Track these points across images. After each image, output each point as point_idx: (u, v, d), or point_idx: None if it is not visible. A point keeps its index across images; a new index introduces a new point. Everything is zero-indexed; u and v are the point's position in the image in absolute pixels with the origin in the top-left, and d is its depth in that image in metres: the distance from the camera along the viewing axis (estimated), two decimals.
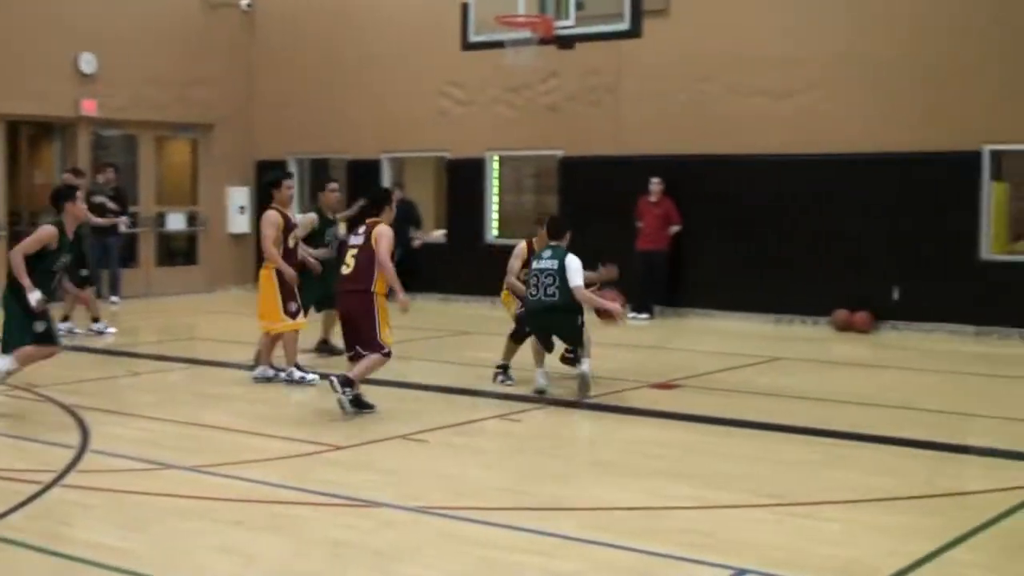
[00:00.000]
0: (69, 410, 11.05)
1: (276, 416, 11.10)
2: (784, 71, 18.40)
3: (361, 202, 13.55)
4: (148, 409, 11.40)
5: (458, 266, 21.11)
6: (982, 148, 16.94)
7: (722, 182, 18.72)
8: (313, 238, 13.92)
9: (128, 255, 22.02)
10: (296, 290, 12.62)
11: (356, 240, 11.19)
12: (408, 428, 10.35)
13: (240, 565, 6.70)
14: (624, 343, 13.28)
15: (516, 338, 12.63)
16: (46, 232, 10.92)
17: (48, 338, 10.99)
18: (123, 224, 19.25)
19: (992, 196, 17.06)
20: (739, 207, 18.58)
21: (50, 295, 11.07)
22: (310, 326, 13.58)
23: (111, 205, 19.34)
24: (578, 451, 10.16)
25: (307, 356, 13.76)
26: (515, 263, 12.96)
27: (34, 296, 10.68)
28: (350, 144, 22.94)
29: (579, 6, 15.58)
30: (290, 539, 7.15)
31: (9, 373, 10.97)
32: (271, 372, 12.80)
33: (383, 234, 11.00)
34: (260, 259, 13.06)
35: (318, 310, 14.11)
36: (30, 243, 10.87)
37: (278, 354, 12.86)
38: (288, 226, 12.68)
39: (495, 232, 21.29)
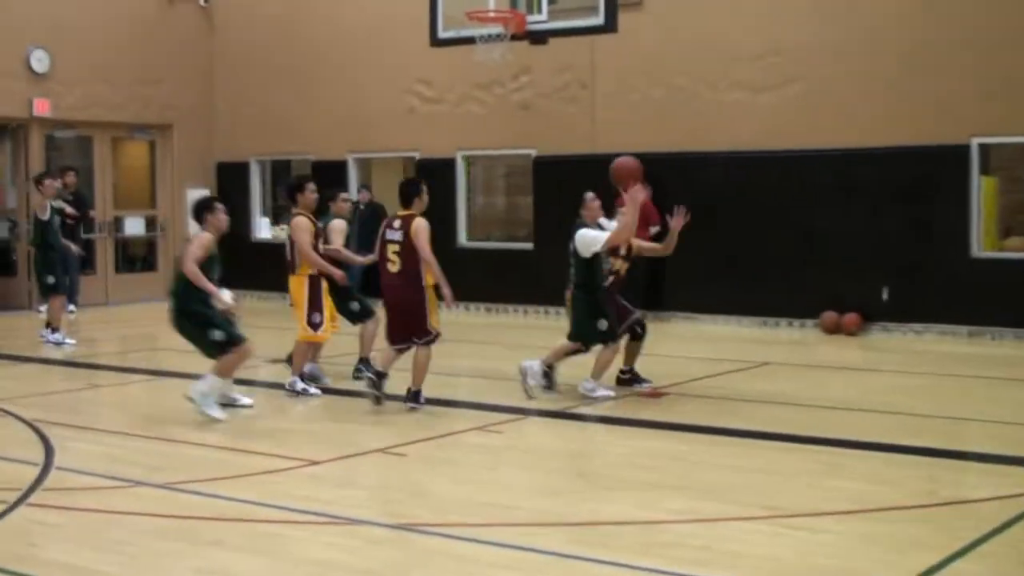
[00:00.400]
0: (30, 425, 11.01)
1: (248, 429, 11.09)
2: (763, 64, 18.48)
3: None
4: (113, 423, 11.37)
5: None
6: (971, 141, 17.03)
7: (702, 180, 18.76)
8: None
9: (85, 262, 21.94)
10: (322, 301, 12.63)
11: (394, 235, 11.65)
12: (385, 442, 10.34)
13: None
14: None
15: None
16: (207, 239, 11.28)
17: (233, 340, 11.35)
18: (74, 249, 18.65)
19: (982, 191, 17.15)
20: (720, 205, 18.63)
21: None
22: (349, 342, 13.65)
23: (70, 210, 19.27)
24: (564, 463, 10.16)
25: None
26: None
27: (225, 294, 11.25)
28: (314, 144, 22.91)
29: (551, 0, 15.59)
30: (273, 560, 7.14)
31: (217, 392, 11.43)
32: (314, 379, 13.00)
33: (420, 228, 11.53)
34: (281, 267, 12.99)
35: (354, 322, 13.65)
36: (196, 252, 11.18)
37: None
38: (317, 231, 12.67)
39: (465, 236, 21.31)
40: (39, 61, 21.41)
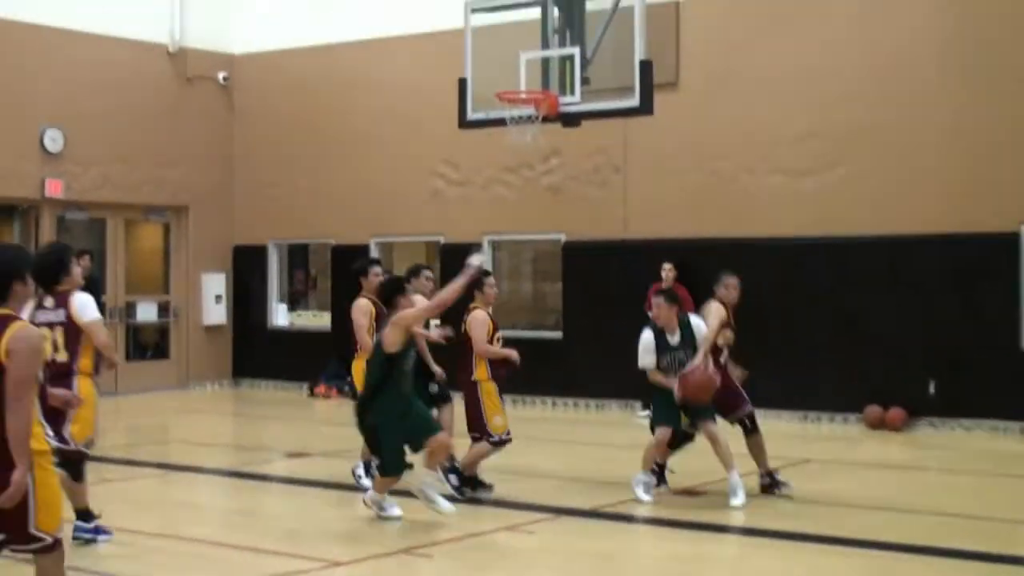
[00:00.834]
0: None
1: (264, 527, 11.07)
2: (803, 147, 18.55)
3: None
4: (122, 519, 11.33)
5: (454, 361, 21.07)
6: (1021, 228, 17.05)
7: (739, 267, 18.62)
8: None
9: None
10: None
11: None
12: (410, 541, 10.32)
13: None
14: (639, 444, 13.25)
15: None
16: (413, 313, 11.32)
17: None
18: None
19: None
20: (759, 294, 18.56)
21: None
22: None
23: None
24: (598, 569, 10.08)
25: None
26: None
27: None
28: (336, 228, 23.04)
29: (584, 81, 15.68)
30: None
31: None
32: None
33: (475, 321, 12.16)
34: (344, 350, 13.06)
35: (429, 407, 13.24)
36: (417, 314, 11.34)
37: None
38: (379, 314, 12.64)
39: None
40: (53, 141, 21.63)
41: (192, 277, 23.78)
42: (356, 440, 13.14)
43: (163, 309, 23.76)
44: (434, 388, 13.16)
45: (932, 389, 17.53)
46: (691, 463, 13.21)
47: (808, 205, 18.50)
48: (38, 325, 9.38)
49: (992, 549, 10.08)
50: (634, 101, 14.76)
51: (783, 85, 18.78)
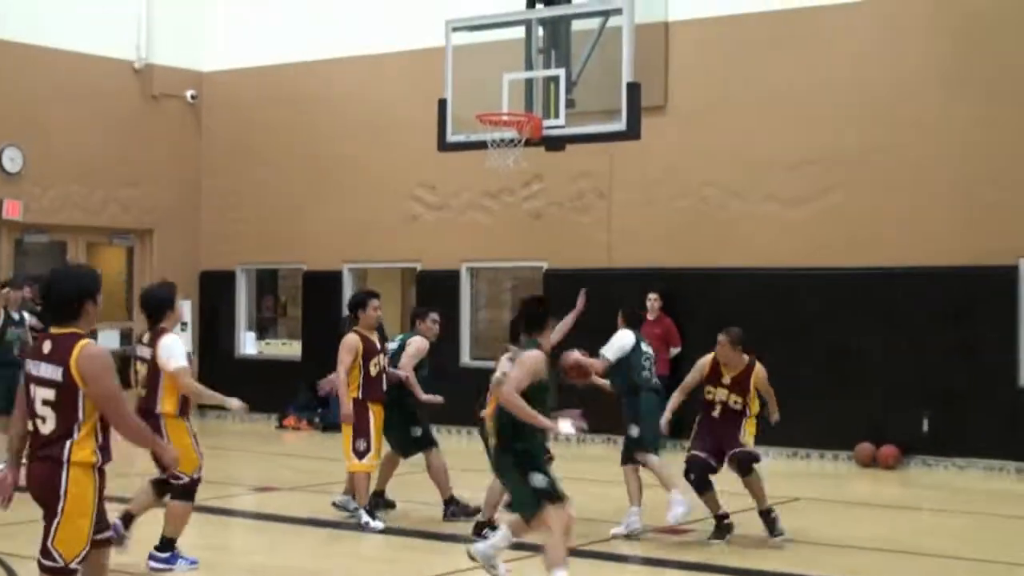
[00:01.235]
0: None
1: (230, 564, 11.15)
2: (796, 174, 18.73)
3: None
4: None
5: (428, 392, 21.15)
6: (1019, 262, 17.27)
7: (728, 299, 18.87)
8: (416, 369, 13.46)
9: None
10: (370, 427, 12.68)
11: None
12: None
13: None
14: (622, 480, 13.37)
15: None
16: (538, 357, 9.68)
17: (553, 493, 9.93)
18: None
19: None
20: (747, 327, 18.68)
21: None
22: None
23: (34, 322, 19.30)
24: None
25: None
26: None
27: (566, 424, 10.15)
28: (307, 253, 23.15)
29: (569, 104, 15.80)
30: None
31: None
32: (352, 505, 12.93)
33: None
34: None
35: (404, 455, 13.60)
36: (524, 376, 9.54)
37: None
38: (368, 350, 12.74)
39: (469, 354, 21.47)
40: (11, 160, 21.68)
41: None
42: (326, 473, 13.26)
43: (126, 337, 23.78)
44: (416, 432, 13.26)
45: (926, 426, 17.69)
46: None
47: (800, 234, 18.66)
48: (135, 357, 10.82)
49: None
50: (621, 125, 14.89)
51: (776, 109, 18.96)
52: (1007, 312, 17.30)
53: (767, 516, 12.27)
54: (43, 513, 7.01)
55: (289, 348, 23.64)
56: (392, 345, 13.46)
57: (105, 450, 7.06)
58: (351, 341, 12.81)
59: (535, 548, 11.71)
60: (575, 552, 11.55)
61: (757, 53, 19.13)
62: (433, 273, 21.67)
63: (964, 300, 17.52)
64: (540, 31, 15.64)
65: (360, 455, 12.60)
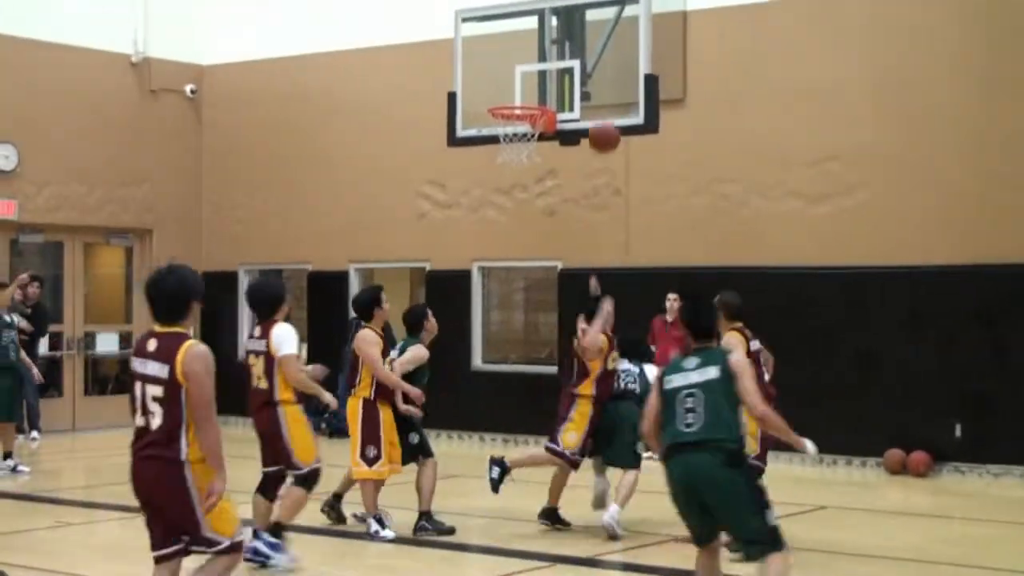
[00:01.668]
0: None
1: (234, 572, 11.09)
2: (819, 170, 18.66)
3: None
4: (82, 566, 11.41)
5: (438, 396, 21.10)
6: None
7: (748, 298, 18.70)
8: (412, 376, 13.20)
9: (49, 382, 22.03)
10: (380, 431, 12.48)
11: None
12: None
13: None
14: (643, 489, 13.33)
15: None
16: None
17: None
18: (35, 375, 18.95)
19: None
20: (770, 328, 18.66)
21: None
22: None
23: (24, 324, 19.26)
24: None
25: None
26: None
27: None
28: (312, 252, 23.12)
29: (584, 96, 15.77)
30: None
31: None
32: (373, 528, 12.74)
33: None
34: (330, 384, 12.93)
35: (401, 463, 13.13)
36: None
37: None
38: (384, 349, 12.62)
39: (481, 357, 21.43)
40: (5, 158, 21.68)
41: None
42: (335, 480, 13.21)
43: (125, 340, 23.78)
44: (414, 439, 13.13)
45: (958, 432, 17.60)
46: None
47: (823, 232, 18.59)
48: (247, 352, 11.33)
49: None
50: (638, 118, 14.88)
51: (798, 102, 18.88)
52: None
53: None
54: (148, 512, 7.71)
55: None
56: (395, 354, 13.24)
57: None
58: (371, 335, 12.55)
59: (553, 559, 11.70)
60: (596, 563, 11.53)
61: (779, 44, 19.06)
62: (443, 273, 21.63)
63: (995, 300, 17.44)
64: (554, 21, 15.64)
65: (370, 462, 12.48)
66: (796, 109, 18.86)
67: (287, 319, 11.62)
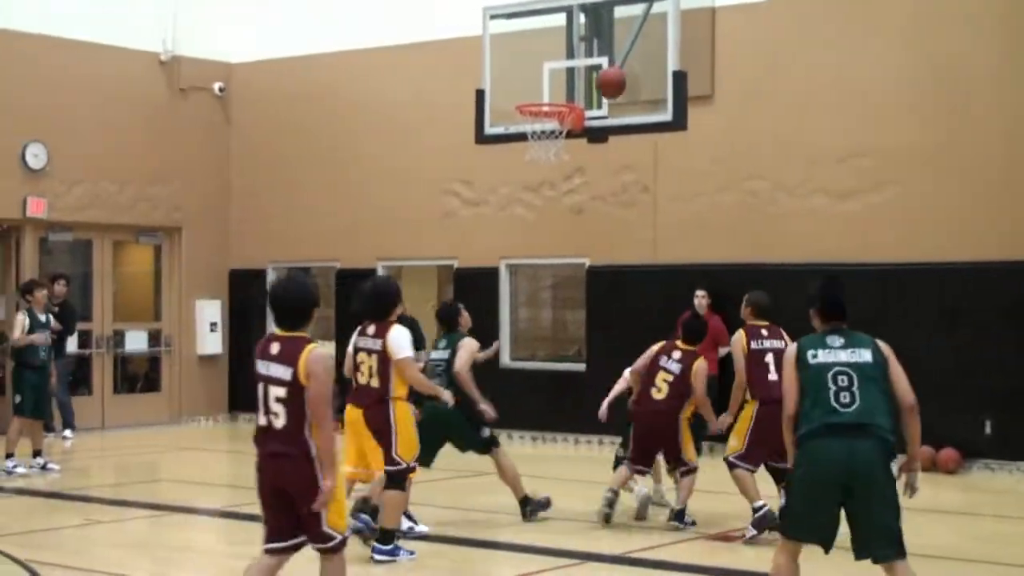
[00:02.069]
0: (24, 566, 11.08)
1: None
2: (848, 166, 18.59)
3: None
4: (112, 563, 11.43)
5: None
6: None
7: (777, 295, 18.71)
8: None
9: (79, 381, 22.06)
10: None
11: (671, 366, 13.16)
12: None
13: None
14: (671, 485, 13.36)
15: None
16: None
17: None
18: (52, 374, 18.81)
19: None
20: (797, 326, 18.58)
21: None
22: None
23: (53, 324, 19.25)
24: None
25: None
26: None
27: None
28: (340, 250, 23.13)
29: None
30: None
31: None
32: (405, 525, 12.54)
33: (700, 372, 13.06)
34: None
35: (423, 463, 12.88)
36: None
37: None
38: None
39: (509, 355, 21.41)
40: (35, 157, 21.72)
41: (185, 303, 23.85)
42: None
43: (154, 338, 23.83)
44: (486, 432, 13.14)
45: (988, 429, 17.53)
46: (723, 507, 13.26)
47: (852, 229, 18.52)
48: (358, 350, 11.53)
49: None
50: (666, 115, 14.85)
51: (827, 98, 18.82)
52: None
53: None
54: (276, 503, 8.11)
55: (322, 349, 23.54)
56: (437, 354, 13.15)
57: None
58: (406, 333, 12.42)
59: (584, 556, 11.68)
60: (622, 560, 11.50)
61: (807, 40, 18.99)
62: (470, 270, 21.62)
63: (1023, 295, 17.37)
64: (582, 18, 15.59)
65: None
66: (825, 104, 18.79)
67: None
